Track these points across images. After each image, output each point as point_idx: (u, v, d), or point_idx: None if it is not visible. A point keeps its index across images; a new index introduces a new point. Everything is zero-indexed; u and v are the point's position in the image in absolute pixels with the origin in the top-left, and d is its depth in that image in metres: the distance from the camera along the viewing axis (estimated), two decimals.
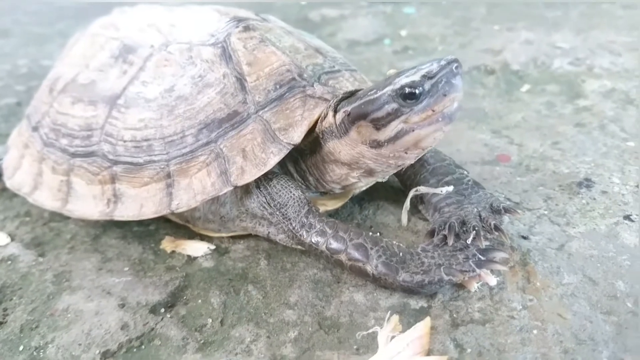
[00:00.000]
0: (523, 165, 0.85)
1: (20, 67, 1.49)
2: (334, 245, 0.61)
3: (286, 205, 0.65)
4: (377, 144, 0.60)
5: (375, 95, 0.58)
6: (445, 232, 0.63)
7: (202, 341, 0.58)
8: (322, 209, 0.68)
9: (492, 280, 0.59)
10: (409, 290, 0.60)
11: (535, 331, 0.55)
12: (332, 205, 0.72)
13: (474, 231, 0.62)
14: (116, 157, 0.67)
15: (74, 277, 0.68)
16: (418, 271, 0.59)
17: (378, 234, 0.71)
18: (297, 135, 0.63)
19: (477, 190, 0.70)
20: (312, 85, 0.67)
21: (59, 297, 0.65)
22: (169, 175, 0.64)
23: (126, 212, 0.65)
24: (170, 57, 0.69)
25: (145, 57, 0.70)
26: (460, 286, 0.61)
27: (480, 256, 0.59)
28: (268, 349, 0.56)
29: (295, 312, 0.60)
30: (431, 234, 0.65)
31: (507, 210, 0.66)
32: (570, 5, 1.72)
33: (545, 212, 0.73)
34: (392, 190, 0.81)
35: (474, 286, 0.60)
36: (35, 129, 0.77)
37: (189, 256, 0.70)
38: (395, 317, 0.56)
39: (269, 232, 0.68)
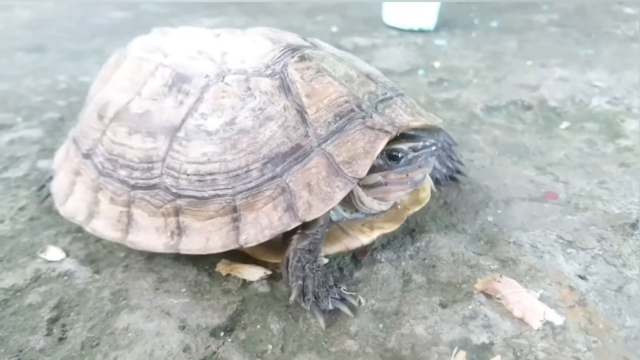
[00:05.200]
0: (572, 204, 0.85)
1: (59, 83, 1.52)
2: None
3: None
4: (362, 186, 0.70)
5: None
6: None
7: None
8: (379, 232, 0.72)
9: (558, 320, 0.59)
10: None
11: None
12: (389, 227, 0.73)
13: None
14: (179, 191, 0.66)
15: (131, 296, 0.68)
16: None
17: (432, 266, 0.72)
18: (361, 170, 0.63)
19: None
20: (371, 116, 0.68)
21: (118, 315, 0.65)
22: (235, 210, 0.64)
23: (192, 245, 0.65)
24: (228, 89, 0.68)
25: (201, 88, 0.69)
26: (523, 323, 0.61)
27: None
28: None
29: (357, 342, 0.60)
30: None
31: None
32: (602, 44, 1.74)
33: (600, 253, 0.73)
34: (443, 224, 0.81)
35: (538, 324, 0.60)
36: (87, 156, 0.77)
37: (244, 280, 0.70)
38: (463, 353, 0.56)
39: None
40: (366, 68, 0.79)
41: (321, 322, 0.63)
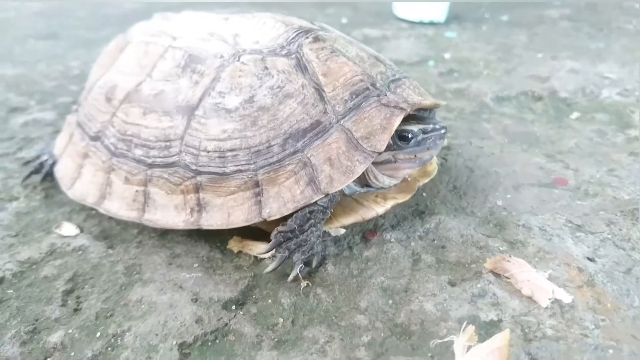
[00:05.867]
0: (581, 190, 0.86)
1: (72, 69, 1.54)
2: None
3: None
4: (372, 163, 0.72)
5: None
6: None
7: (276, 339, 0.59)
8: (393, 202, 0.74)
9: (567, 298, 0.60)
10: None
11: (611, 350, 0.55)
12: (402, 198, 0.76)
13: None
14: (199, 168, 0.67)
15: (144, 270, 0.69)
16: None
17: (442, 247, 0.72)
18: (380, 144, 0.65)
19: None
20: (386, 95, 0.70)
21: (131, 288, 0.66)
22: (257, 184, 0.65)
23: (213, 220, 0.66)
24: (245, 68, 0.69)
25: (216, 68, 0.70)
26: (532, 302, 0.61)
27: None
28: (342, 351, 0.57)
29: (366, 317, 0.61)
30: None
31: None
32: (613, 38, 1.74)
33: (609, 236, 0.74)
34: (452, 207, 0.82)
35: (546, 302, 0.61)
36: (95, 138, 0.77)
37: (255, 257, 0.71)
38: (471, 328, 0.57)
39: None
40: (373, 52, 0.81)
41: (271, 267, 0.66)
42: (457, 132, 1.08)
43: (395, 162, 0.72)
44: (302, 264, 0.66)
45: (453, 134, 1.07)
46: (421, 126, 0.70)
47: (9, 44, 1.77)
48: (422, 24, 1.99)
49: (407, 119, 0.71)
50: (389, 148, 0.70)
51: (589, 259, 0.69)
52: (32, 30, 1.95)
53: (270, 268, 0.66)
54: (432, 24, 1.98)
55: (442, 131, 0.70)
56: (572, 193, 0.85)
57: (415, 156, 0.71)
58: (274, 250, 0.67)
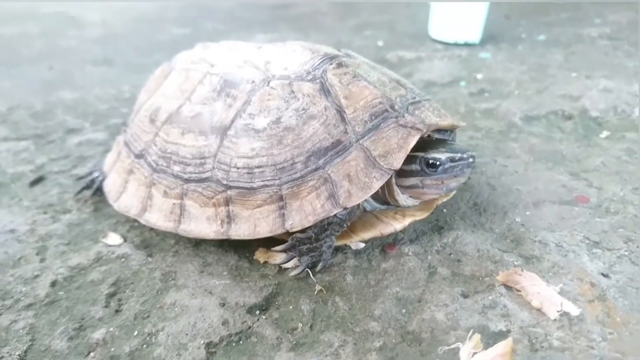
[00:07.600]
0: (602, 208, 0.87)
1: (124, 93, 1.65)
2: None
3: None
4: (399, 187, 0.77)
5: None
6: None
7: (294, 342, 0.63)
8: (411, 219, 0.77)
9: (575, 311, 0.62)
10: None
11: None
12: (420, 215, 0.78)
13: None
14: (230, 182, 0.73)
15: (179, 277, 0.76)
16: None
17: (457, 261, 0.75)
18: (396, 162, 0.69)
19: None
20: (403, 116, 0.74)
21: (167, 293, 0.73)
22: (281, 198, 0.71)
23: (241, 231, 0.72)
24: (273, 92, 0.75)
25: (248, 92, 0.77)
26: (541, 314, 0.64)
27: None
28: (355, 354, 0.61)
29: (380, 324, 0.65)
30: None
31: None
32: None
33: (626, 253, 0.75)
34: (471, 223, 0.85)
35: (555, 314, 0.63)
36: (139, 156, 0.85)
37: (280, 267, 0.77)
38: (477, 336, 0.59)
39: None
40: (395, 76, 0.86)
41: (279, 260, 0.75)
42: (482, 150, 1.11)
43: (422, 188, 0.76)
44: (307, 267, 0.73)
45: (479, 152, 1.10)
46: (449, 154, 0.73)
47: (69, 69, 1.91)
48: (457, 45, 2.02)
49: (436, 145, 0.75)
50: (417, 174, 0.75)
51: (603, 274, 0.71)
52: (90, 56, 2.10)
53: (278, 261, 0.75)
54: (467, 45, 2.01)
55: (470, 160, 0.73)
56: (592, 210, 0.86)
57: (442, 182, 0.74)
58: (287, 251, 0.74)
